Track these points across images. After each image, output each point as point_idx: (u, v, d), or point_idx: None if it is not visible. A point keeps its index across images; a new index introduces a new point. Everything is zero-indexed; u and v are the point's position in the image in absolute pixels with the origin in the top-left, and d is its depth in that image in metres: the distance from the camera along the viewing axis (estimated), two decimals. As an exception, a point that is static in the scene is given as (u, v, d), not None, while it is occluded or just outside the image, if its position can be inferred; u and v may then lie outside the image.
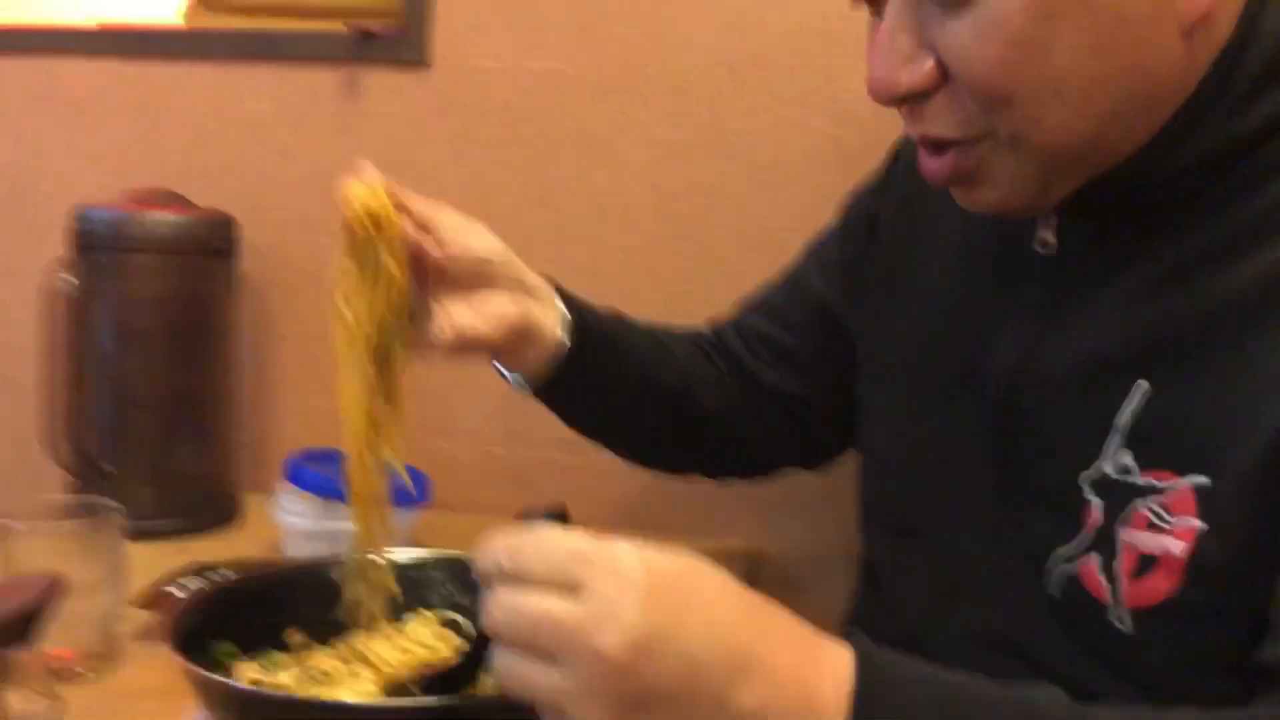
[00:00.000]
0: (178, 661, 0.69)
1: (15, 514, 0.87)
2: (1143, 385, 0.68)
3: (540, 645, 0.54)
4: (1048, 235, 0.76)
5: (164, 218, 1.26)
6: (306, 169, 1.43)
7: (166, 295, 1.27)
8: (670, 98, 1.32)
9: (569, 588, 0.53)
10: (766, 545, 1.32)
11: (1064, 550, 0.71)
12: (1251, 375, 0.63)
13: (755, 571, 1.30)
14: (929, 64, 0.67)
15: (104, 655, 0.90)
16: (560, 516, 0.61)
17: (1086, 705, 0.57)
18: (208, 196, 1.37)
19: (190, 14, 1.51)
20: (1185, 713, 0.57)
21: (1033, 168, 0.68)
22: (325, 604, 0.83)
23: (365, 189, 0.78)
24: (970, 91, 0.66)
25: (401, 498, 1.12)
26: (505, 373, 0.95)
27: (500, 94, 1.36)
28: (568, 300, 0.94)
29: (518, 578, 0.55)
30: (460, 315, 0.85)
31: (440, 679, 0.71)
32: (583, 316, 0.94)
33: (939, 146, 0.70)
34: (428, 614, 0.85)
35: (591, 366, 0.94)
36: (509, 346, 0.89)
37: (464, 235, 0.86)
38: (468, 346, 0.86)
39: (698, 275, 1.32)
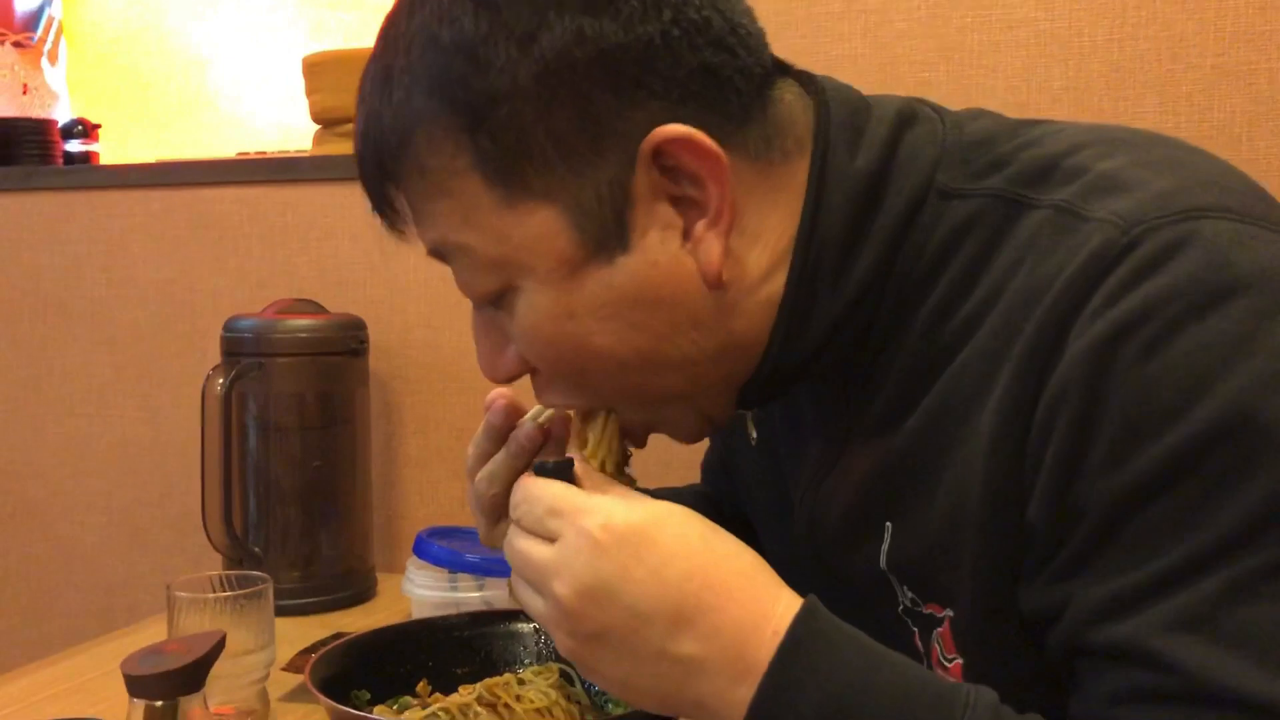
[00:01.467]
0: (322, 702, 0.78)
1: (180, 586, 0.96)
2: (889, 526, 0.69)
3: (526, 577, 0.64)
4: (750, 430, 0.82)
5: (302, 324, 1.39)
6: (425, 273, 1.55)
7: (305, 393, 1.39)
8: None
9: (547, 536, 0.63)
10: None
11: None
12: (938, 509, 0.65)
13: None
14: (515, 355, 0.70)
15: (257, 713, 0.99)
16: (566, 469, 0.68)
17: (1003, 709, 0.57)
18: (339, 302, 1.51)
19: (318, 141, 1.66)
20: None
21: (665, 413, 0.72)
22: (449, 658, 0.92)
23: None
24: (550, 374, 0.70)
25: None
26: None
27: (596, 195, 1.47)
28: None
29: (517, 522, 0.65)
30: None
31: None
32: None
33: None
34: (546, 666, 0.91)
35: None
36: None
37: None
38: None
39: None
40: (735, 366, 0.70)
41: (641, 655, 0.60)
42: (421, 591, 1.22)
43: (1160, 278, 0.56)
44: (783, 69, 0.70)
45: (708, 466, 1.07)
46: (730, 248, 0.65)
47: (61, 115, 1.98)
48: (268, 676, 1.01)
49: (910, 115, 0.69)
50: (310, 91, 1.64)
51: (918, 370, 0.66)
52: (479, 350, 0.72)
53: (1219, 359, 0.54)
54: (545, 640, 0.94)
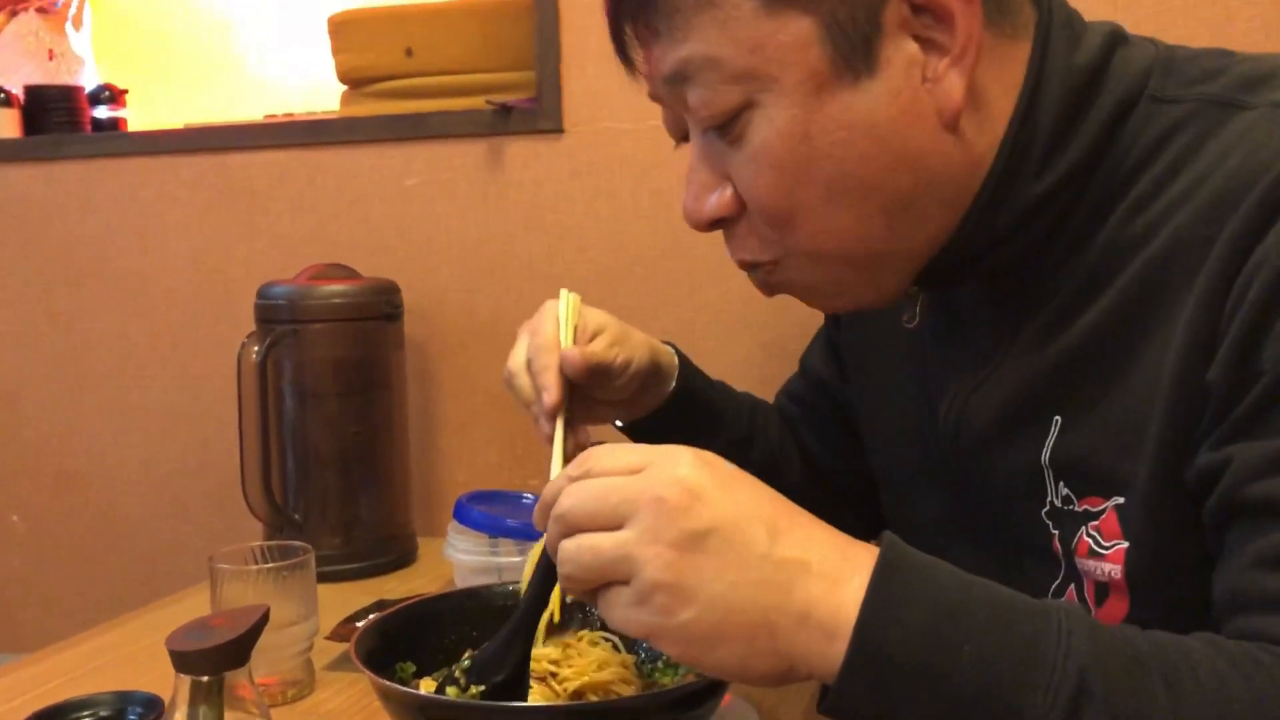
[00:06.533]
0: (367, 677, 0.77)
1: (222, 558, 0.97)
2: (1058, 420, 0.70)
3: (607, 509, 0.60)
4: (914, 311, 0.81)
5: (336, 289, 1.38)
6: (458, 234, 1.54)
7: (341, 358, 1.38)
8: (789, 141, 1.38)
9: (632, 470, 0.61)
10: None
11: (1054, 585, 0.73)
12: (1129, 395, 0.66)
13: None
14: (728, 193, 0.72)
15: (301, 683, 1.00)
16: None
17: (1101, 625, 0.57)
18: (373, 266, 1.50)
19: (345, 102, 1.65)
20: (1197, 646, 0.56)
21: (846, 273, 0.72)
22: (493, 627, 0.91)
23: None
24: (759, 215, 0.71)
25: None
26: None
27: (629, 151, 1.45)
28: (682, 360, 1.02)
29: (587, 473, 0.62)
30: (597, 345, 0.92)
31: None
32: (689, 374, 1.01)
33: (751, 267, 0.75)
34: (591, 633, 0.90)
35: (685, 419, 1.00)
36: (645, 384, 0.96)
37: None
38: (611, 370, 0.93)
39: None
40: (933, 229, 0.71)
41: (747, 558, 0.58)
42: (462, 556, 1.22)
43: None
44: None
45: (811, 354, 1.10)
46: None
47: (88, 81, 1.97)
48: (311, 647, 1.01)
49: (1123, 34, 0.73)
50: (336, 51, 1.62)
51: (1103, 266, 0.68)
52: (688, 189, 0.74)
53: None
54: (591, 610, 0.93)
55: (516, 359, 0.92)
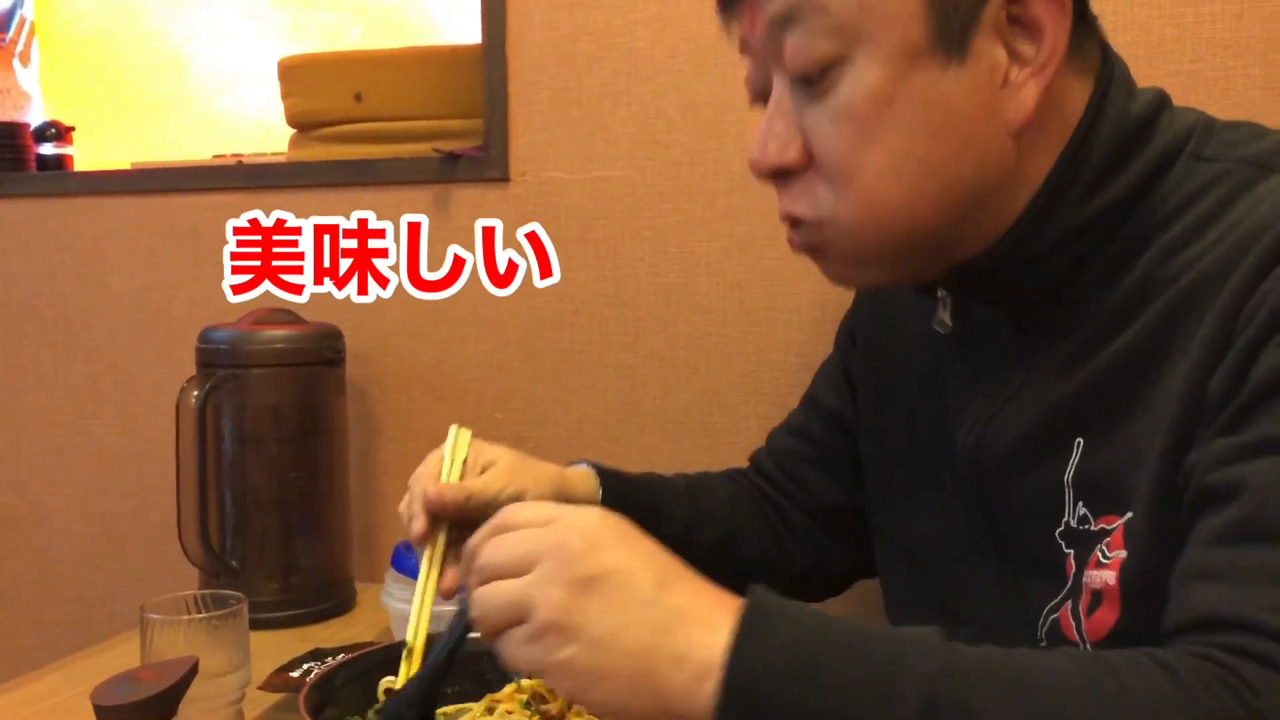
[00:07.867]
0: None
1: (153, 608, 0.95)
2: (1080, 443, 0.74)
3: (519, 557, 0.65)
4: (945, 317, 0.84)
5: (278, 334, 1.37)
6: (402, 280, 1.53)
7: (282, 403, 1.37)
8: (731, 195, 1.40)
9: (545, 522, 0.67)
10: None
11: (1053, 603, 0.76)
12: (1148, 416, 0.70)
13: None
14: (797, 145, 0.75)
15: (234, 734, 0.99)
16: None
17: (955, 644, 0.60)
18: (316, 310, 1.49)
19: (294, 144, 1.65)
20: (1055, 656, 0.60)
21: (881, 250, 0.76)
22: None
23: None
24: (824, 171, 0.74)
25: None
26: None
27: (574, 201, 1.46)
28: (604, 478, 1.02)
29: (504, 526, 0.68)
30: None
31: None
32: (614, 491, 1.01)
33: (794, 223, 0.78)
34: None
35: None
36: None
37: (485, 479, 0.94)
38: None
39: (765, 356, 1.39)
40: (972, 232, 0.75)
41: (633, 602, 0.62)
42: (399, 605, 1.21)
43: None
44: None
45: (819, 387, 1.12)
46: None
47: (34, 118, 1.96)
48: (243, 697, 0.99)
49: (1169, 99, 0.79)
50: (286, 95, 1.62)
51: (1133, 301, 0.73)
52: (758, 136, 0.77)
53: None
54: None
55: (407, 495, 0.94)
